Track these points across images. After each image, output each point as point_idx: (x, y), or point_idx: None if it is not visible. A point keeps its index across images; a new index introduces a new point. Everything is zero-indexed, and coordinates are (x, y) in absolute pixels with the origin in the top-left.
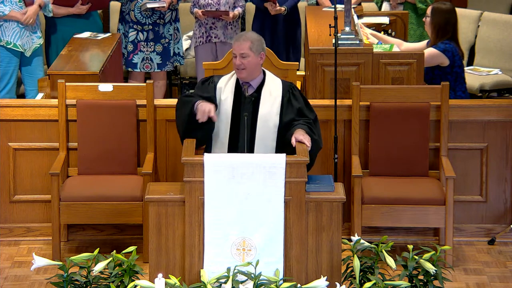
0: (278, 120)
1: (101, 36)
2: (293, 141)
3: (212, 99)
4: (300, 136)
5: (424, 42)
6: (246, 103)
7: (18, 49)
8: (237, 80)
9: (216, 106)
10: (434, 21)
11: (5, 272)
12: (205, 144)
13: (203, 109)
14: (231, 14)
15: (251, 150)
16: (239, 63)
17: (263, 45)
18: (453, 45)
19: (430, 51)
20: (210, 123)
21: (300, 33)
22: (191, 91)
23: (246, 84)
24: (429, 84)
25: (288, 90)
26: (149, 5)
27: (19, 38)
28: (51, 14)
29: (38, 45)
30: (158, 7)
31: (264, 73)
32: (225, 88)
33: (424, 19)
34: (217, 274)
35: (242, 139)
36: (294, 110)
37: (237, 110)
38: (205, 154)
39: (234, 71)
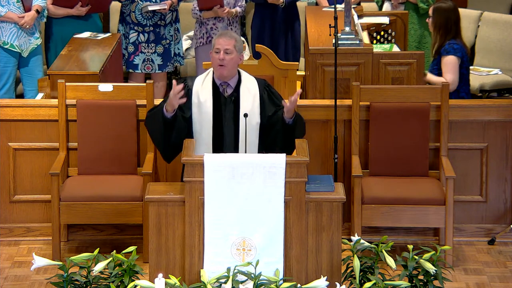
0: (259, 117)
1: (101, 36)
2: (286, 103)
3: (180, 106)
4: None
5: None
6: (227, 103)
7: (15, 50)
8: (214, 81)
9: (187, 111)
10: (436, 20)
11: (5, 272)
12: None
13: (171, 97)
14: (226, 10)
15: (235, 149)
16: (222, 57)
17: (242, 46)
18: (460, 45)
19: (452, 59)
20: (183, 122)
21: (299, 33)
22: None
23: (224, 84)
24: None
25: (265, 88)
26: (150, 8)
27: (17, 38)
28: (44, 20)
29: (36, 46)
30: (159, 9)
31: (239, 72)
32: (202, 90)
33: (427, 19)
34: (217, 274)
35: (227, 139)
36: (274, 107)
37: (218, 110)
38: (205, 154)
39: (208, 71)
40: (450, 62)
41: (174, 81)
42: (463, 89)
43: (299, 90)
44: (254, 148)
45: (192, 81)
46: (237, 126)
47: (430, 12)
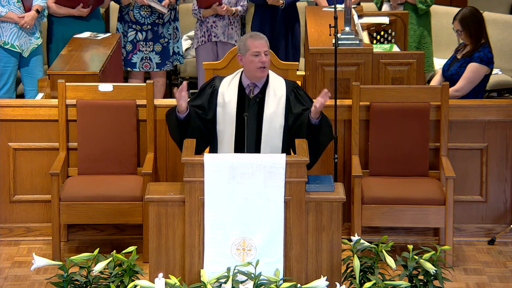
0: (283, 120)
1: (101, 36)
2: (314, 107)
3: (203, 106)
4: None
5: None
6: (251, 105)
7: (15, 50)
8: (240, 82)
9: (211, 111)
10: (469, 30)
11: (5, 272)
12: (206, 148)
13: (177, 98)
14: (225, 7)
15: (257, 150)
16: (265, 60)
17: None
18: (492, 52)
19: (481, 70)
20: (198, 121)
21: (299, 33)
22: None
23: (252, 85)
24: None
25: (293, 90)
26: (152, 4)
27: (17, 38)
28: (44, 20)
29: (36, 46)
30: (160, 9)
31: (268, 73)
32: (228, 91)
33: (457, 35)
34: (217, 274)
35: (250, 140)
36: (301, 107)
37: (242, 111)
38: (205, 154)
39: (237, 72)
40: (477, 72)
41: (184, 82)
42: (480, 95)
43: (326, 91)
44: (278, 151)
45: (220, 81)
46: (260, 127)
47: (458, 26)
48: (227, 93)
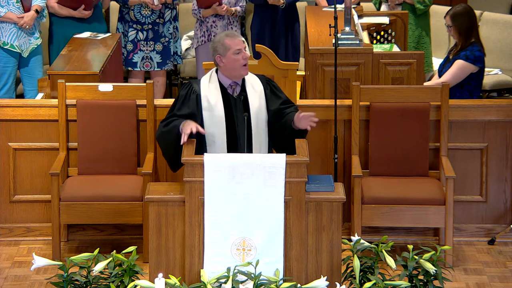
0: (266, 114)
1: (101, 36)
2: (298, 116)
3: (194, 114)
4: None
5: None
6: (237, 103)
7: (15, 50)
8: (220, 82)
9: (198, 117)
10: (458, 26)
11: (5, 272)
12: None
13: (187, 132)
14: (225, 7)
15: (249, 148)
16: (247, 55)
17: None
18: (482, 52)
19: (465, 67)
20: (197, 139)
21: (299, 33)
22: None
23: (234, 84)
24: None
25: (267, 83)
26: None
27: (16, 38)
28: (44, 20)
29: (36, 46)
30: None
31: None
32: (210, 93)
33: (447, 31)
34: (217, 274)
35: (241, 139)
36: (278, 101)
37: (229, 111)
38: (205, 154)
39: (210, 73)
40: (461, 68)
41: (194, 127)
42: (475, 93)
43: (313, 114)
44: (265, 146)
45: (198, 85)
46: (250, 125)
47: (449, 21)
48: (211, 96)
